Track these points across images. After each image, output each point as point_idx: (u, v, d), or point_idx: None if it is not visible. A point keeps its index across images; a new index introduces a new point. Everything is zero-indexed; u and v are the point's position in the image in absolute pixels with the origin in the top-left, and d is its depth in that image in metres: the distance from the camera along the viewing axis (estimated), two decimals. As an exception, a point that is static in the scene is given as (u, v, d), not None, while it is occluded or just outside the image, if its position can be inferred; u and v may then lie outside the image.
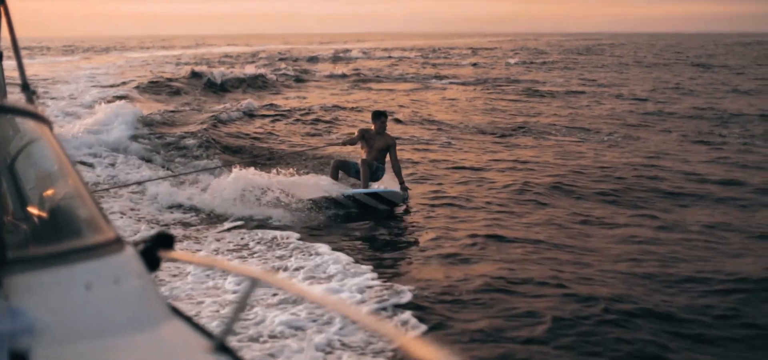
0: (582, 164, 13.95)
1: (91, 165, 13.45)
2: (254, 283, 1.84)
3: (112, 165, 13.63)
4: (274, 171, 10.55)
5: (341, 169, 10.59)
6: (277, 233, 8.84)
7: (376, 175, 10.33)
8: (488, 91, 31.63)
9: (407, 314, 6.24)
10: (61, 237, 1.89)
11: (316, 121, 20.65)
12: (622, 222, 9.89)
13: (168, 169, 13.24)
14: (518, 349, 5.80)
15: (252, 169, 10.83)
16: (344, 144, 11.19)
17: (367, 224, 9.44)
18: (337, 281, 7.17)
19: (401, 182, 10.27)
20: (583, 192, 11.58)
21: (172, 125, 18.50)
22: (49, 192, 2.01)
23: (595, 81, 36.63)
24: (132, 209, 10.24)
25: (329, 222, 9.58)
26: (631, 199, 11.18)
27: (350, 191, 9.98)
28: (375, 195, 9.93)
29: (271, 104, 24.40)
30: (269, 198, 9.82)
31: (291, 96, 28.80)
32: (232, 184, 10.10)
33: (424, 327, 6.05)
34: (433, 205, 10.64)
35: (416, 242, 8.90)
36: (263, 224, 9.29)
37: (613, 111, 23.43)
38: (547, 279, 7.40)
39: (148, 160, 14.07)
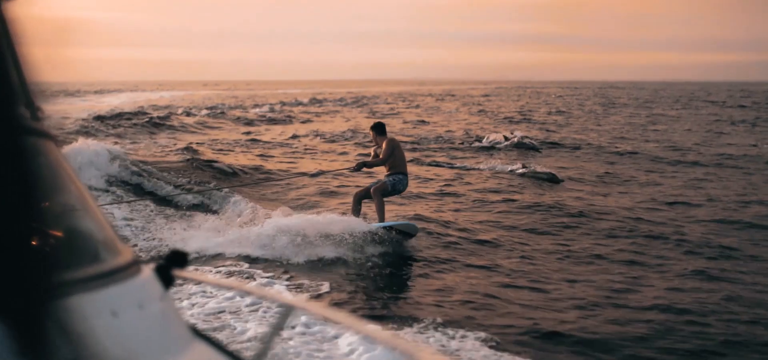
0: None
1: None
2: (289, 309, 1.76)
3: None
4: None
5: (364, 198, 10.47)
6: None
7: (396, 187, 10.27)
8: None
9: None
10: (81, 261, 1.71)
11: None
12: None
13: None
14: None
15: (281, 210, 10.99)
16: (359, 168, 10.66)
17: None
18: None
19: (363, 163, 10.58)
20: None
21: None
22: (62, 213, 1.86)
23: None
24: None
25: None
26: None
27: (370, 227, 9.97)
28: (391, 228, 10.00)
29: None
30: (303, 240, 9.78)
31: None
32: (268, 229, 9.99)
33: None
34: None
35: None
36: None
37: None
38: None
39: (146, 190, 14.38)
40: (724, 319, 7.39)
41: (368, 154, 12.45)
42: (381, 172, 11.04)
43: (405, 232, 10.23)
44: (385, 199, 10.25)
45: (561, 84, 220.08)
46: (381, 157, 10.23)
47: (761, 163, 21.09)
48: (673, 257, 10.03)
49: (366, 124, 34.43)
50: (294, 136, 29.00)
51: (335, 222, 10.00)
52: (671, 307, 7.72)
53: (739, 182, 17.40)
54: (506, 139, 24.58)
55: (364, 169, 10.81)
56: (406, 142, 25.17)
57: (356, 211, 10.36)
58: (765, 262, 9.88)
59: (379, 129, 10.48)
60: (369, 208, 10.85)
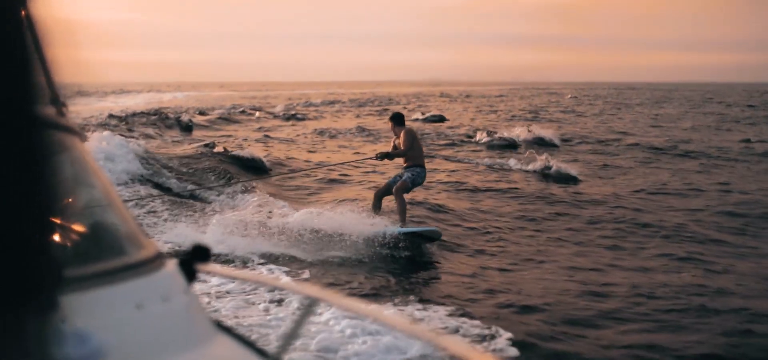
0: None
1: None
2: (313, 301, 1.79)
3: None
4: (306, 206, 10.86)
5: (385, 195, 10.38)
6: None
7: (415, 181, 10.17)
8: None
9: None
10: (106, 254, 1.75)
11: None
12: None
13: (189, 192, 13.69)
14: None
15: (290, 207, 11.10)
16: (381, 158, 10.53)
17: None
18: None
19: (384, 153, 10.38)
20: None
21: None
22: (87, 207, 1.90)
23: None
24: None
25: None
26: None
27: (390, 230, 9.80)
28: (412, 233, 9.89)
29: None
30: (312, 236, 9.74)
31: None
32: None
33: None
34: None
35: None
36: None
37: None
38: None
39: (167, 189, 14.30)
40: (681, 294, 8.04)
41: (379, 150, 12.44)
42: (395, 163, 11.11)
43: (428, 238, 10.10)
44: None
45: (576, 85, 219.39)
46: (402, 148, 10.12)
47: (750, 157, 21.68)
48: (648, 242, 10.67)
49: (374, 123, 35.33)
50: (304, 134, 29.87)
51: (356, 222, 9.87)
52: (637, 285, 8.38)
53: (725, 174, 18.04)
54: (529, 131, 26.00)
55: (385, 160, 10.63)
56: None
57: (377, 208, 10.27)
58: (729, 245, 10.55)
59: (397, 120, 10.42)
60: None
